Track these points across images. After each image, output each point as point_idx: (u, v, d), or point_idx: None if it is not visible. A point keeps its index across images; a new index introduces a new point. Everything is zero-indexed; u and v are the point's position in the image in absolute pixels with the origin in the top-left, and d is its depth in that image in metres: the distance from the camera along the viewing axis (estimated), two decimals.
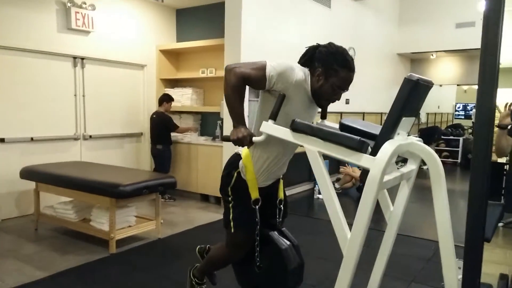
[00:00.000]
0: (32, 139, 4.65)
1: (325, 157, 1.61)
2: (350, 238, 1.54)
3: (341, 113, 6.95)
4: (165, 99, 5.44)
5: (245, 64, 1.80)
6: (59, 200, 4.21)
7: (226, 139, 1.81)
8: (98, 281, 2.96)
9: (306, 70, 1.88)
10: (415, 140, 1.74)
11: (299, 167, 6.28)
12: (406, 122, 1.65)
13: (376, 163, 1.47)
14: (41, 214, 4.12)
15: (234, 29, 4.73)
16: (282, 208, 2.13)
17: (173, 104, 5.55)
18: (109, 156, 5.51)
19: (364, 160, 1.50)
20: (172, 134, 5.46)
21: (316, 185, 6.03)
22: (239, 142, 1.78)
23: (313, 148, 1.60)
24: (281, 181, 2.17)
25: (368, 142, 1.52)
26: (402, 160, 2.14)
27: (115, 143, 5.63)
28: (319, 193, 5.75)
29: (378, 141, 1.55)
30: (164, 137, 5.38)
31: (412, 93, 1.54)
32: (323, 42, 1.93)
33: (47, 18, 4.69)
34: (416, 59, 9.91)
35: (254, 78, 1.78)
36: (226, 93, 1.80)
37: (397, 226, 1.96)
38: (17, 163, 4.38)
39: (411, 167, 1.88)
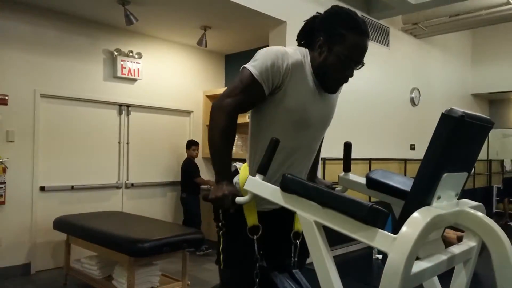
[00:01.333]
0: (72, 187, 4.59)
1: None
2: None
3: (405, 160, 6.19)
4: (188, 144, 5.26)
5: (229, 91, 1.42)
6: (90, 253, 4.00)
7: (204, 198, 1.38)
8: None
9: (303, 49, 1.50)
10: (469, 206, 1.17)
11: None
12: (452, 179, 1.10)
13: (397, 246, 0.94)
14: (71, 268, 3.92)
15: None
16: (299, 244, 1.58)
17: None
18: (151, 205, 5.32)
19: (379, 239, 0.97)
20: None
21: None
22: (218, 202, 1.35)
23: (308, 217, 1.11)
24: None
25: (383, 211, 1.00)
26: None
27: (157, 192, 5.45)
28: (379, 253, 4.96)
29: (405, 209, 1.02)
30: (188, 185, 5.11)
31: (456, 137, 1.01)
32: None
33: (94, 67, 4.78)
34: (495, 100, 8.84)
35: (249, 97, 1.41)
36: (212, 138, 1.39)
37: None
38: (56, 212, 4.29)
39: (470, 243, 1.28)
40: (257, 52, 1.44)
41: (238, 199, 1.31)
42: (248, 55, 1.50)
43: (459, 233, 2.67)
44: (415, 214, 0.98)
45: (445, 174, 1.05)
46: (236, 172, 1.56)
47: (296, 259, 1.60)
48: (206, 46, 5.01)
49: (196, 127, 5.87)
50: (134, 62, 5.06)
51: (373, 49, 5.58)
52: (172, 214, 5.53)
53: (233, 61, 6.13)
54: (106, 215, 4.21)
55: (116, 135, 5.03)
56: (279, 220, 1.59)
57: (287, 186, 1.15)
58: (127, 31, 4.99)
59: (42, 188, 4.35)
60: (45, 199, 4.38)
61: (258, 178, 1.26)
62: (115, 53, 4.89)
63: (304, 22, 1.54)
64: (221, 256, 1.53)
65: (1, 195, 3.93)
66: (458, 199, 1.19)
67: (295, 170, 1.51)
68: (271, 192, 1.21)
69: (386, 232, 0.97)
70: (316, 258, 1.09)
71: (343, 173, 1.62)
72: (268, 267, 1.55)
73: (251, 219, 1.48)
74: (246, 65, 1.41)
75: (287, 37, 4.40)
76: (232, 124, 1.36)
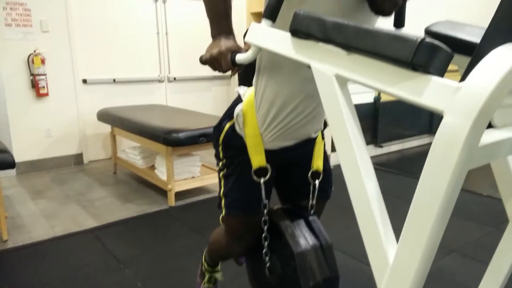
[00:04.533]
0: (114, 80, 4.50)
1: None
2: (392, 265, 0.71)
3: None
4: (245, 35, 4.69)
5: None
6: (135, 144, 4.03)
7: (200, 60, 1.07)
8: (142, 238, 2.61)
9: None
10: None
11: (416, 114, 5.09)
12: None
13: (459, 100, 0.58)
14: (118, 158, 3.99)
15: None
16: (318, 185, 1.31)
17: None
18: (196, 100, 5.18)
19: (432, 90, 0.62)
20: None
21: None
22: (214, 63, 1.03)
23: (327, 70, 0.76)
24: (322, 142, 1.33)
25: (445, 48, 0.62)
26: None
27: (202, 86, 5.25)
28: None
29: (479, 48, 0.64)
30: (249, 77, 4.77)
31: None
32: None
33: None
34: None
35: None
36: None
37: None
38: (101, 105, 4.30)
39: None
40: None
41: (239, 56, 0.98)
42: None
43: None
44: (495, 52, 0.60)
45: None
46: (239, 99, 1.22)
47: (314, 202, 1.31)
48: None
49: (239, 16, 5.37)
50: None
51: None
52: (220, 110, 5.38)
53: None
54: (147, 107, 4.13)
55: (154, 26, 4.72)
56: (293, 159, 1.28)
57: (299, 26, 0.79)
58: None
59: (84, 81, 4.29)
60: (88, 92, 4.35)
61: (263, 24, 0.91)
62: None
63: None
64: (223, 201, 1.27)
65: (44, 87, 3.93)
66: None
67: (302, 114, 1.14)
68: (279, 41, 0.86)
69: (444, 79, 0.61)
70: (339, 136, 0.77)
71: (394, 29, 1.20)
72: (279, 213, 1.28)
73: (257, 159, 1.19)
74: None
75: None
76: None
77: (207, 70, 5.22)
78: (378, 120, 4.52)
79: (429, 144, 5.14)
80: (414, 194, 0.66)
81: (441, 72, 0.62)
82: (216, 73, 5.26)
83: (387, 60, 0.66)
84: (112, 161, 4.09)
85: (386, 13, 1.00)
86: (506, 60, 0.58)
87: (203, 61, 1.05)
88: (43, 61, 3.89)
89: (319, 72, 0.78)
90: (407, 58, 0.62)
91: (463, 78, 0.65)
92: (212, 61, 1.02)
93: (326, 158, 1.36)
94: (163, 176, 3.27)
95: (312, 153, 1.30)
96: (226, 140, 1.23)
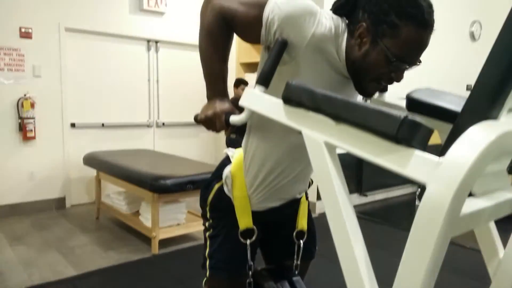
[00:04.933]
0: (103, 125, 4.53)
1: None
2: None
3: None
4: (237, 82, 4.81)
5: None
6: (120, 189, 3.99)
7: (195, 118, 1.12)
8: None
9: (341, 21, 1.03)
10: None
11: None
12: None
13: (441, 173, 0.63)
14: (102, 203, 3.94)
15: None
16: (303, 245, 1.31)
17: None
18: (184, 145, 5.21)
19: (415, 163, 0.67)
20: None
21: (419, 189, 4.90)
22: (208, 123, 1.08)
23: (317, 137, 0.82)
24: (306, 202, 1.36)
25: (425, 125, 0.68)
26: None
27: (190, 132, 5.31)
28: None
29: (457, 124, 0.70)
30: (237, 126, 4.83)
31: None
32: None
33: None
34: None
35: (241, 18, 1.02)
36: (199, 42, 1.10)
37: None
38: (88, 149, 4.29)
39: None
40: None
41: (233, 117, 1.03)
42: None
43: None
44: (473, 129, 0.66)
45: None
46: (228, 160, 1.25)
47: (298, 262, 1.33)
48: None
49: (229, 65, 5.55)
50: None
51: None
52: (207, 155, 5.42)
53: None
54: (135, 152, 4.14)
55: (145, 73, 4.84)
56: (278, 219, 1.31)
57: (290, 95, 0.85)
58: None
59: (73, 125, 4.31)
60: (76, 135, 4.36)
61: (257, 90, 0.97)
62: None
63: None
64: (207, 262, 1.26)
65: (31, 130, 3.92)
66: None
67: (289, 175, 1.19)
68: (271, 107, 0.92)
69: (427, 154, 0.66)
70: (327, 198, 0.81)
71: (378, 93, 1.29)
72: (263, 275, 1.29)
73: (245, 221, 1.21)
74: None
75: None
76: (219, 25, 1.04)
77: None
78: (362, 169, 4.61)
79: (413, 193, 5.22)
80: (397, 245, 0.69)
81: (423, 146, 0.68)
82: None
83: (373, 133, 0.72)
84: (95, 206, 4.02)
85: (368, 95, 1.09)
86: (482, 137, 0.63)
87: (198, 121, 1.09)
88: (32, 105, 3.91)
89: (310, 139, 0.83)
90: (392, 132, 0.67)
91: (443, 150, 0.70)
92: (207, 121, 1.07)
93: (310, 218, 1.38)
94: (148, 223, 3.23)
95: (296, 214, 1.33)
96: (214, 201, 1.25)
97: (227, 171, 1.21)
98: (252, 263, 1.23)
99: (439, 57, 5.28)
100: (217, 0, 1.04)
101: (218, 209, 1.24)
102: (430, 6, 0.95)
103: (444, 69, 5.40)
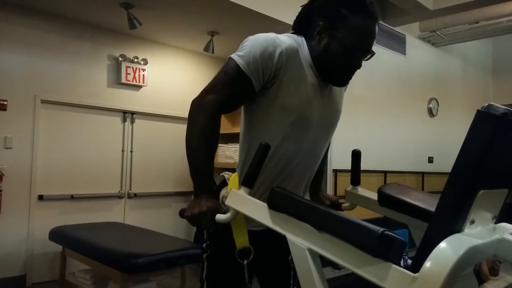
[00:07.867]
0: (72, 196, 4.42)
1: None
2: None
3: (422, 173, 5.86)
4: None
5: (211, 86, 1.23)
6: (86, 267, 3.80)
7: (180, 214, 1.16)
8: None
9: (298, 36, 1.29)
10: (510, 232, 0.91)
11: None
12: (490, 198, 0.85)
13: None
14: (66, 282, 3.72)
15: None
16: None
17: (226, 161, 5.07)
18: (155, 217, 5.10)
19: (393, 278, 0.73)
20: None
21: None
22: (195, 220, 1.12)
23: (300, 243, 0.87)
24: None
25: (400, 239, 0.75)
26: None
27: (162, 202, 5.24)
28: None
29: (427, 236, 0.77)
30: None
31: (495, 142, 0.76)
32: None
33: (98, 73, 4.63)
34: None
35: (235, 94, 1.19)
36: (189, 142, 1.17)
37: None
38: (55, 222, 4.11)
39: (509, 279, 1.02)
40: (246, 39, 1.22)
41: (219, 216, 1.08)
42: None
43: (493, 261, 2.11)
44: (442, 246, 0.73)
45: (481, 192, 0.80)
46: (225, 183, 1.33)
47: (295, 287, 1.36)
48: (213, 52, 4.84)
49: None
50: (139, 69, 4.90)
51: (389, 57, 5.33)
52: (177, 227, 5.31)
53: None
54: (104, 226, 4.02)
55: (120, 143, 4.86)
56: (275, 241, 1.35)
57: (275, 202, 0.92)
58: (132, 37, 4.85)
59: (41, 197, 4.18)
60: (43, 208, 4.21)
61: (242, 191, 1.03)
62: (120, 59, 4.74)
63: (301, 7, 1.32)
64: (205, 285, 1.29)
65: None
66: (495, 222, 0.94)
67: (293, 181, 1.28)
68: (257, 210, 0.98)
69: (402, 269, 0.73)
70: None
71: (351, 186, 1.38)
72: None
73: (241, 240, 1.24)
74: (232, 55, 1.20)
75: None
76: (214, 126, 1.15)
77: (168, 186, 5.28)
78: None
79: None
80: None
81: (398, 260, 0.74)
82: (178, 189, 5.32)
83: (353, 244, 0.78)
84: (58, 285, 3.79)
85: (340, 85, 1.32)
86: (451, 255, 0.70)
87: (184, 217, 1.13)
88: (1, 177, 3.80)
89: (294, 244, 0.88)
90: (371, 246, 0.74)
91: (416, 262, 0.76)
92: (194, 218, 1.10)
93: None
94: None
95: None
96: None
97: (224, 191, 1.24)
98: (249, 285, 1.22)
99: (403, 133, 5.62)
100: (205, 99, 1.15)
101: (215, 229, 1.25)
102: (371, 1, 1.22)
103: (410, 142, 5.72)
